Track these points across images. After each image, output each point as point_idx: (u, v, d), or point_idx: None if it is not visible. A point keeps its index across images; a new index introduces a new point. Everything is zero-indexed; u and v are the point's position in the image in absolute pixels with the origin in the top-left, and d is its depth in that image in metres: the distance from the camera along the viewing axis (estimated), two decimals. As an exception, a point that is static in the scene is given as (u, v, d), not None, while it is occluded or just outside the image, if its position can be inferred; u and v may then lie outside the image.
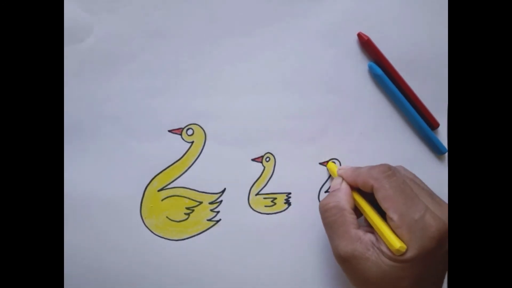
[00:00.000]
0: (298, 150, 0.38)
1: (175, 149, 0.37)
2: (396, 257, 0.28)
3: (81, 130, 0.36)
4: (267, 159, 0.37)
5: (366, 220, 0.33)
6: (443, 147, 0.39)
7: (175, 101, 0.37)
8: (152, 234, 0.36)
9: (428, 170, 0.38)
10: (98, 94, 0.36)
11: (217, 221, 0.37)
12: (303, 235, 0.38)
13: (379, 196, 0.31)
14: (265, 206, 0.37)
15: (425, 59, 0.38)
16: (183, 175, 0.37)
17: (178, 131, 0.37)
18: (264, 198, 0.37)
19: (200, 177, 0.37)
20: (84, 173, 0.36)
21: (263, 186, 0.37)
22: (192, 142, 0.37)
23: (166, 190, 0.37)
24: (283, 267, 0.37)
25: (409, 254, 0.28)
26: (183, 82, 0.37)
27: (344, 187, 0.34)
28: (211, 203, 0.37)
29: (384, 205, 0.30)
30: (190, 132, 0.37)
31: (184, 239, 0.37)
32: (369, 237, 0.30)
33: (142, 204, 0.36)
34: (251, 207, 0.37)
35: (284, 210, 0.38)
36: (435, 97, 0.39)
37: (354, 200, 0.33)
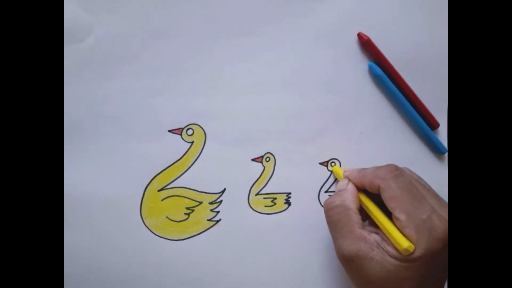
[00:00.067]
0: (298, 150, 0.38)
1: (175, 149, 0.37)
2: (402, 256, 0.28)
3: (81, 130, 0.36)
4: (267, 159, 0.37)
5: (370, 222, 0.33)
6: (443, 147, 0.39)
7: (175, 101, 0.37)
8: (152, 234, 0.36)
9: (428, 170, 0.38)
10: (98, 94, 0.36)
11: (217, 221, 0.37)
12: (303, 235, 0.38)
13: (385, 196, 0.30)
14: (265, 206, 0.37)
15: (425, 59, 0.38)
16: (183, 175, 0.37)
17: (178, 131, 0.37)
18: (264, 198, 0.37)
19: (200, 177, 0.37)
20: (84, 173, 0.36)
21: (263, 186, 0.37)
22: (192, 142, 0.37)
23: (166, 190, 0.37)
24: (283, 267, 0.37)
25: (416, 254, 0.28)
26: (183, 82, 0.37)
27: (350, 187, 0.34)
28: (211, 203, 0.37)
29: (390, 205, 0.30)
30: (190, 132, 0.37)
31: (184, 239, 0.37)
32: (374, 237, 0.30)
33: (142, 204, 0.36)
34: (251, 207, 0.37)
35: (284, 210, 0.38)
36: (435, 97, 0.39)
37: (360, 201, 0.33)
